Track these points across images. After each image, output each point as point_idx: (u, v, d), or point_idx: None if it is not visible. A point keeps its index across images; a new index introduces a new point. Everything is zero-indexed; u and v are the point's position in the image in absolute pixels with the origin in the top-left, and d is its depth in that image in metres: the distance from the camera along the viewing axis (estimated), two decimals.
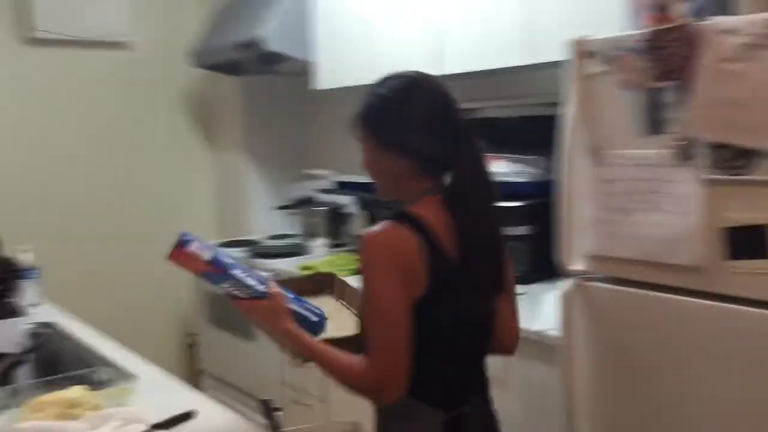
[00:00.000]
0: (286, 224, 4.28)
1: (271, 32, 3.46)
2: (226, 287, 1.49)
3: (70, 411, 1.51)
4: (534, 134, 3.01)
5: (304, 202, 3.97)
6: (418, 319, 1.40)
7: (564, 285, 1.82)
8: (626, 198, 1.70)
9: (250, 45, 3.52)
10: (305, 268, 3.23)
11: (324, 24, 3.49)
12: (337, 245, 3.72)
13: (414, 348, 1.40)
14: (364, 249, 1.41)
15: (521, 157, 2.78)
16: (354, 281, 1.59)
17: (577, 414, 1.82)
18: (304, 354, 1.48)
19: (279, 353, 1.71)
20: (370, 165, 1.52)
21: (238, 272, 1.49)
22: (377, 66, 3.12)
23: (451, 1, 2.82)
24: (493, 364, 2.32)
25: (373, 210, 3.45)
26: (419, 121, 1.46)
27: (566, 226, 1.79)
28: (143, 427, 1.45)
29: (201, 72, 4.26)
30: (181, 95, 4.41)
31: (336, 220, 3.78)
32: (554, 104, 2.93)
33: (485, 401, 1.58)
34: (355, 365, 1.41)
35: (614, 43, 1.69)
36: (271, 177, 4.21)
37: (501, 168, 2.79)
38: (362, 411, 1.63)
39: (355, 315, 1.61)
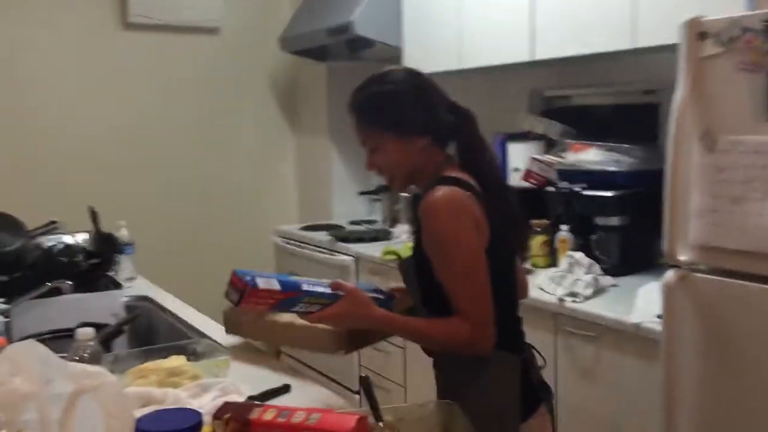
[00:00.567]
0: (368, 210, 4.30)
1: (360, 17, 3.47)
2: (300, 308, 1.47)
3: (170, 379, 1.54)
4: (629, 122, 2.93)
5: (387, 188, 3.97)
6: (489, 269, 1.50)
7: (668, 275, 1.74)
8: (739, 186, 1.62)
9: (340, 30, 3.54)
10: (388, 252, 3.23)
11: (412, 10, 3.47)
12: None
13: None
14: (439, 209, 1.48)
15: (616, 146, 2.69)
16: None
17: (677, 410, 1.75)
18: (399, 332, 1.56)
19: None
20: (389, 161, 1.57)
21: (307, 287, 1.47)
22: (465, 53, 3.15)
23: None
24: (583, 354, 2.29)
25: None
26: (428, 100, 1.57)
27: (673, 214, 1.71)
28: (241, 398, 1.47)
29: (289, 57, 4.31)
30: (268, 80, 4.47)
31: (418, 206, 3.76)
32: (652, 92, 2.86)
33: (530, 347, 1.67)
34: (452, 324, 1.47)
35: (733, 23, 1.61)
36: (355, 163, 4.22)
37: (593, 156, 2.72)
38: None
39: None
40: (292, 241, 4.03)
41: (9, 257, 2.36)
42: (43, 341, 1.06)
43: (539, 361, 1.68)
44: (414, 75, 1.61)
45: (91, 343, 1.37)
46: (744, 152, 1.60)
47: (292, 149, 4.60)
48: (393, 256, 3.13)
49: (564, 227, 2.76)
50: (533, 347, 1.67)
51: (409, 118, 1.55)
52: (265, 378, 1.69)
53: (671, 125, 1.70)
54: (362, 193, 4.24)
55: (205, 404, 1.40)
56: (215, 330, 2.06)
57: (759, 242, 1.59)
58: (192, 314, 2.30)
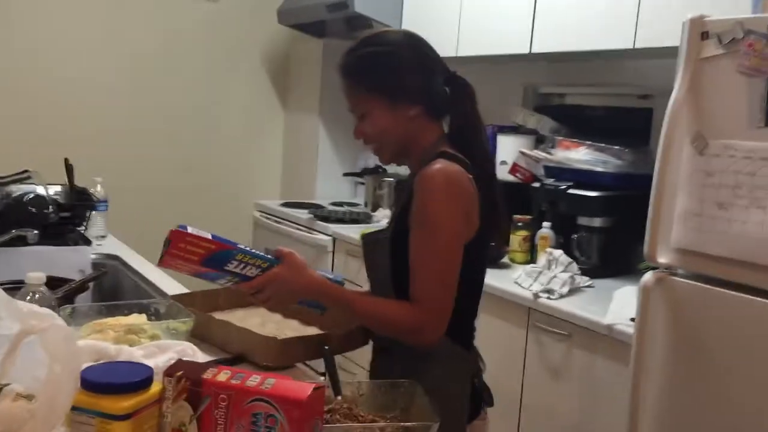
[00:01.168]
0: (352, 192, 4.25)
1: None
2: (234, 267, 1.36)
3: (128, 336, 1.50)
4: (621, 126, 2.90)
5: (372, 172, 3.92)
6: (464, 260, 1.41)
7: (646, 277, 1.71)
8: (726, 192, 1.59)
9: (339, 6, 3.48)
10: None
11: None
12: None
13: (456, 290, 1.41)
14: (442, 180, 1.39)
15: (605, 146, 2.66)
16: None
17: (642, 412, 1.73)
18: (340, 303, 1.44)
19: None
20: (377, 128, 1.49)
21: (242, 246, 1.38)
22: (464, 41, 3.10)
23: None
24: (553, 352, 2.26)
25: None
26: (425, 67, 1.50)
27: (657, 215, 1.68)
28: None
29: (286, 31, 4.25)
30: (263, 52, 4.40)
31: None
32: (647, 97, 2.82)
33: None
34: (402, 307, 1.40)
35: (736, 25, 1.57)
36: (342, 143, 4.17)
37: (582, 155, 2.68)
38: None
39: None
40: (272, 217, 3.98)
41: None
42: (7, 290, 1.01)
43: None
44: (412, 38, 1.54)
45: (42, 289, 1.31)
46: (734, 157, 1.57)
47: (280, 124, 4.54)
48: None
49: (546, 224, 2.73)
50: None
51: (401, 83, 1.47)
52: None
53: (664, 124, 1.66)
54: (346, 175, 4.19)
55: (160, 364, 1.35)
56: (181, 293, 2.01)
57: (740, 250, 1.56)
58: (160, 277, 2.25)
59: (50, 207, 2.36)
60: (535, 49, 2.76)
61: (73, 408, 0.98)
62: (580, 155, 2.71)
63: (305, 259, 1.45)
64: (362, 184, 4.08)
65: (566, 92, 3.24)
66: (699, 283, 1.67)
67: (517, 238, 2.80)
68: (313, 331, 1.64)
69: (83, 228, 2.54)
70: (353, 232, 3.31)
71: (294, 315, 1.71)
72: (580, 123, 3.00)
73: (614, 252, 2.62)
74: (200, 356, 1.47)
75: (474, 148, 1.51)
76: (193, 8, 4.13)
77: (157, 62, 4.06)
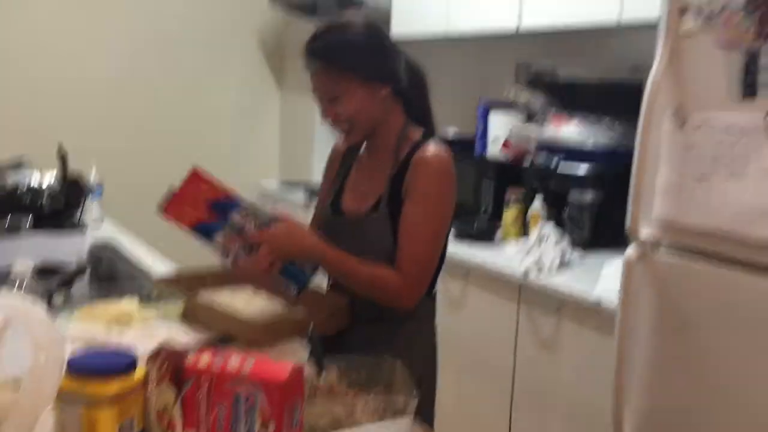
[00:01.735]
0: None
1: None
2: (237, 219, 1.46)
3: (120, 322, 1.53)
4: (613, 100, 2.89)
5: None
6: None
7: (629, 251, 1.73)
8: (707, 164, 1.60)
9: None
10: None
11: None
12: None
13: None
14: (443, 163, 1.54)
15: (593, 120, 2.67)
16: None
17: (627, 385, 1.76)
18: (332, 263, 1.53)
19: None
20: (353, 108, 1.53)
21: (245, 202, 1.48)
22: (453, 18, 3.10)
23: None
24: (544, 326, 2.29)
25: None
26: (389, 49, 1.58)
27: (639, 189, 1.69)
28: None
29: (278, 12, 4.24)
30: (256, 34, 4.40)
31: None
32: (638, 70, 2.82)
33: None
34: (387, 273, 1.52)
35: None
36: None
37: (573, 130, 2.69)
38: None
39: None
40: (269, 198, 4.01)
41: None
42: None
43: None
44: (374, 25, 1.60)
45: (30, 277, 1.34)
46: (714, 130, 1.58)
47: (277, 105, 4.55)
48: None
49: (537, 200, 2.75)
50: None
51: (373, 64, 1.55)
52: None
53: (644, 99, 1.67)
54: None
55: (150, 349, 1.38)
56: None
57: (720, 221, 1.57)
58: (156, 261, 2.29)
59: (45, 193, 2.39)
60: (524, 25, 2.76)
61: (60, 394, 1.01)
62: (570, 130, 2.72)
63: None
64: None
65: (559, 68, 3.23)
66: (681, 256, 1.68)
67: (509, 214, 2.82)
68: (297, 312, 1.66)
69: (79, 214, 2.56)
70: None
71: (277, 296, 1.72)
72: (572, 98, 3.00)
73: (605, 225, 2.63)
74: (190, 340, 1.50)
75: (431, 131, 1.66)
76: None
77: (151, 47, 4.06)
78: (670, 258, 1.71)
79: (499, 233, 2.84)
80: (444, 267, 1.65)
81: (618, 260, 2.30)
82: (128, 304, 1.62)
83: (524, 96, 3.04)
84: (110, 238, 2.52)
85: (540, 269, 2.33)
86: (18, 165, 2.48)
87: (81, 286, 2.05)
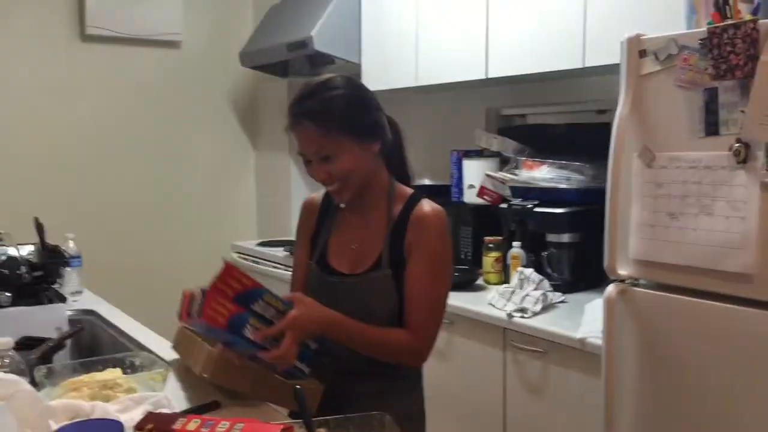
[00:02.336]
0: None
1: (319, 33, 3.47)
2: (259, 308, 1.42)
3: (103, 392, 1.51)
4: (582, 142, 2.96)
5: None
6: None
7: (609, 290, 1.76)
8: (677, 202, 1.64)
9: (299, 45, 3.54)
10: None
11: (371, 26, 3.49)
12: None
13: None
14: (443, 222, 1.58)
15: (567, 163, 2.72)
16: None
17: (617, 421, 1.76)
18: (352, 333, 1.52)
19: None
20: (346, 167, 1.53)
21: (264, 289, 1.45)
22: (422, 70, 3.17)
23: (497, 4, 2.78)
24: (531, 370, 2.29)
25: None
26: (374, 105, 1.60)
27: (614, 229, 1.73)
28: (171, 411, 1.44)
29: (249, 72, 4.31)
30: (229, 95, 4.45)
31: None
32: (604, 112, 2.90)
33: None
34: (404, 335, 1.54)
35: (670, 41, 1.64)
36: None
37: (545, 174, 2.74)
38: None
39: None
40: (249, 257, 4.00)
41: None
42: None
43: None
44: (355, 81, 1.61)
45: (11, 353, 1.33)
46: (681, 168, 1.62)
47: (252, 164, 4.58)
48: None
49: (516, 244, 2.78)
50: None
51: (363, 121, 1.55)
52: (204, 394, 1.64)
53: (612, 141, 1.72)
54: None
55: (136, 418, 1.37)
56: (158, 343, 2.03)
57: (694, 257, 1.61)
58: (137, 328, 2.26)
59: (23, 267, 2.38)
60: (491, 74, 2.83)
61: None
62: (543, 174, 2.77)
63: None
64: None
65: (527, 112, 3.31)
66: (660, 292, 1.71)
67: (489, 260, 2.84)
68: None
69: (58, 285, 2.55)
70: None
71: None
72: (543, 142, 3.06)
73: (585, 265, 2.66)
74: (176, 406, 1.48)
75: (410, 183, 1.69)
76: (157, 57, 4.18)
77: (124, 113, 4.09)
78: (648, 294, 1.74)
79: (480, 280, 2.86)
80: None
81: (598, 300, 2.33)
82: (111, 374, 1.61)
83: (495, 142, 3.10)
84: (91, 309, 2.49)
85: (523, 312, 2.35)
86: None
87: (63, 357, 2.03)
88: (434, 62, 3.12)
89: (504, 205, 2.87)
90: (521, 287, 2.49)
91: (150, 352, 1.89)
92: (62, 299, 2.48)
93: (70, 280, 2.64)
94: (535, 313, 2.36)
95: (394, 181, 1.64)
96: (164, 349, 1.93)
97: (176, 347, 1.79)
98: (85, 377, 1.58)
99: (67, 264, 2.59)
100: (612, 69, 2.39)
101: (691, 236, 1.61)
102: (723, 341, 1.59)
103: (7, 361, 1.32)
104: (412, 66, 3.23)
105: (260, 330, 1.40)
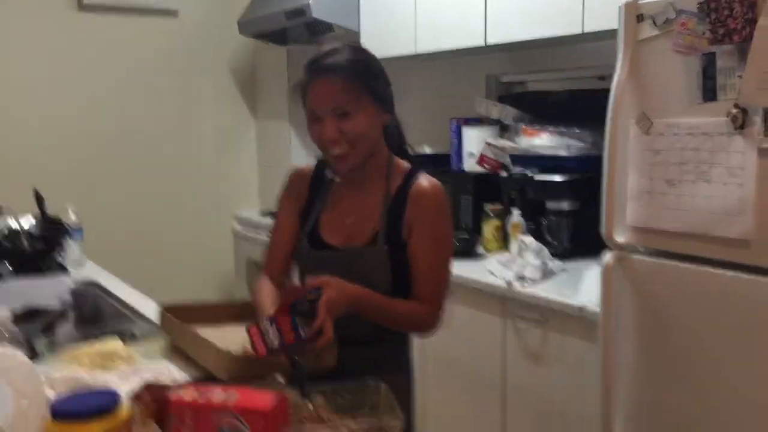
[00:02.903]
0: None
1: (317, 1, 3.43)
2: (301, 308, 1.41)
3: (104, 362, 1.53)
4: (582, 108, 2.94)
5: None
6: None
7: (606, 257, 1.76)
8: (674, 168, 1.63)
9: (297, 13, 3.51)
10: None
11: None
12: None
13: None
14: (443, 197, 1.59)
15: (566, 130, 2.71)
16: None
17: (614, 389, 1.77)
18: (378, 306, 1.53)
19: None
20: (360, 129, 1.51)
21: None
22: (421, 37, 3.14)
23: None
24: (530, 337, 2.31)
25: None
26: (388, 79, 1.60)
27: (611, 196, 1.72)
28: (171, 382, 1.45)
29: (248, 41, 4.27)
30: (227, 64, 4.42)
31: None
32: (604, 78, 2.87)
33: None
34: (421, 307, 1.57)
35: (668, 5, 1.62)
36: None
37: (545, 141, 2.73)
38: None
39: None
40: (250, 228, 4.01)
41: None
42: None
43: None
44: (369, 50, 1.61)
45: (8, 325, 1.34)
46: (678, 135, 1.61)
47: (253, 134, 4.56)
48: None
49: (516, 212, 2.77)
50: None
51: (386, 91, 1.57)
52: None
53: (609, 108, 1.71)
54: None
55: (135, 388, 1.38)
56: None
57: (691, 223, 1.61)
58: (138, 299, 2.28)
59: (24, 239, 2.39)
60: (490, 40, 2.80)
61: None
62: (543, 141, 2.75)
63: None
64: None
65: (528, 79, 3.28)
66: (656, 259, 1.71)
67: (489, 228, 2.85)
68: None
69: (60, 257, 2.56)
70: None
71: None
72: (543, 109, 3.04)
73: (584, 233, 2.65)
74: (177, 376, 1.50)
75: (407, 158, 1.68)
76: (155, 26, 4.14)
77: (123, 83, 4.07)
78: (646, 261, 1.74)
79: (480, 248, 2.86)
80: None
81: (598, 267, 2.34)
82: (112, 344, 1.62)
83: (495, 110, 3.08)
84: (92, 279, 2.51)
85: (523, 281, 2.35)
86: None
87: (65, 327, 2.05)
88: (433, 29, 3.09)
89: (504, 173, 2.87)
90: (521, 255, 2.49)
91: (151, 322, 1.91)
92: (64, 270, 2.50)
93: (73, 251, 2.65)
94: (535, 281, 2.36)
95: (393, 156, 1.64)
96: None
97: (173, 337, 1.66)
98: (85, 348, 1.60)
99: (68, 235, 2.60)
100: (612, 34, 2.37)
101: (689, 203, 1.60)
102: (720, 307, 1.59)
103: (7, 334, 1.33)
104: (411, 33, 3.19)
105: (308, 326, 1.39)
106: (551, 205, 2.70)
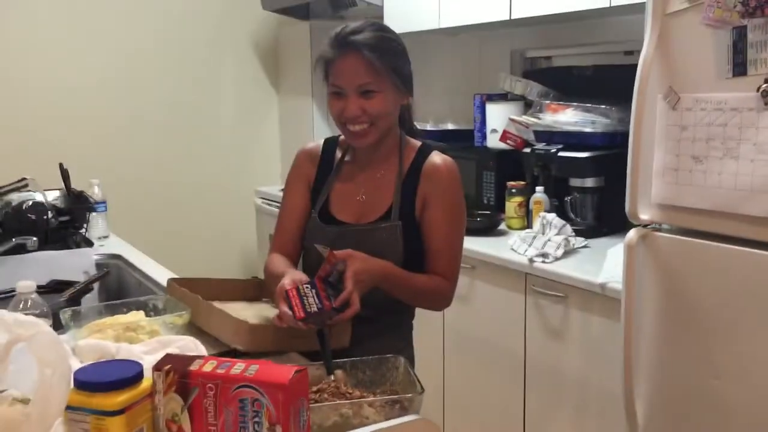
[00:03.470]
0: None
1: None
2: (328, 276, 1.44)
3: (127, 334, 1.54)
4: (608, 84, 2.90)
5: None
6: None
7: (629, 234, 1.74)
8: (700, 144, 1.60)
9: None
10: None
11: None
12: None
13: None
14: (456, 173, 1.61)
15: (592, 106, 2.67)
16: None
17: (635, 367, 1.76)
18: (401, 280, 1.54)
19: None
20: (382, 109, 1.53)
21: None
22: (445, 12, 3.10)
23: None
24: (552, 314, 2.30)
25: None
26: (408, 57, 1.61)
27: (636, 173, 1.70)
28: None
29: (270, 15, 4.26)
30: (250, 38, 4.41)
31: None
32: (631, 53, 2.82)
33: None
34: (441, 282, 1.59)
35: None
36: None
37: (570, 117, 2.70)
38: None
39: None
40: (273, 202, 4.02)
41: None
42: (7, 299, 1.05)
43: None
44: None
45: (33, 296, 1.36)
46: (705, 110, 1.58)
47: (275, 110, 4.56)
48: None
49: (539, 188, 2.75)
50: None
51: (407, 72, 1.59)
52: None
53: (636, 82, 1.68)
54: None
55: (159, 359, 1.40)
56: None
57: (717, 201, 1.58)
58: (162, 272, 2.30)
59: (49, 213, 2.42)
60: (515, 15, 2.76)
61: (68, 407, 1.02)
62: (567, 117, 2.72)
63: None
64: None
65: (553, 54, 3.24)
66: (681, 237, 1.69)
67: (512, 205, 2.83)
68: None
69: (84, 230, 2.59)
70: None
71: None
72: (568, 84, 3.00)
73: (608, 211, 2.64)
74: (202, 350, 1.51)
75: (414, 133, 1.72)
76: (177, 1, 4.14)
77: (145, 58, 4.08)
78: (670, 238, 1.71)
79: (502, 225, 2.85)
80: None
81: (620, 245, 2.31)
82: (134, 316, 1.64)
83: (520, 85, 3.04)
84: (117, 252, 2.53)
85: (545, 257, 2.34)
86: (22, 186, 2.51)
87: (90, 300, 2.08)
88: (457, 4, 3.05)
89: (527, 150, 2.84)
90: (543, 232, 2.47)
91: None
92: (89, 244, 2.52)
93: (96, 225, 2.68)
94: (557, 258, 2.35)
95: (404, 135, 1.66)
96: None
97: (191, 313, 1.64)
98: (108, 319, 1.62)
99: (92, 209, 2.63)
100: (640, 8, 2.32)
101: (716, 180, 1.57)
102: (745, 285, 1.57)
103: (30, 303, 1.35)
104: (435, 8, 3.16)
105: (336, 294, 1.40)
106: (575, 182, 2.67)
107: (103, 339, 1.51)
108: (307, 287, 1.40)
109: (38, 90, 3.81)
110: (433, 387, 2.60)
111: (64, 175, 2.55)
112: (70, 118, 3.88)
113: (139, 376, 1.08)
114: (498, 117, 3.04)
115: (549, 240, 2.41)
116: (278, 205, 3.95)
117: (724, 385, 1.63)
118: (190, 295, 1.63)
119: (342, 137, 1.67)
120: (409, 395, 1.19)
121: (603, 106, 2.65)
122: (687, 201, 1.64)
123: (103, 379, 1.05)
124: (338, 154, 1.69)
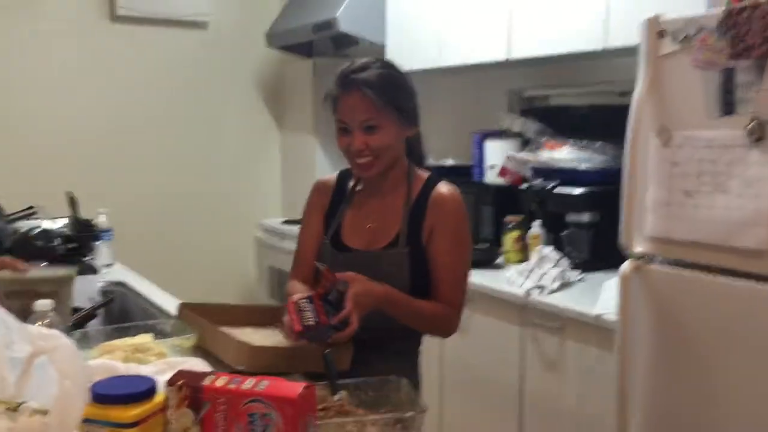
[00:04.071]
0: None
1: (344, 14, 3.52)
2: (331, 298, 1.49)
3: (136, 355, 1.58)
4: (602, 123, 2.98)
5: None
6: None
7: (624, 266, 1.79)
8: (691, 180, 1.67)
9: (325, 26, 3.59)
10: None
11: (395, 8, 3.52)
12: None
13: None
14: (461, 203, 1.65)
15: (588, 143, 2.75)
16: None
17: (630, 397, 1.80)
18: (403, 305, 1.58)
19: None
20: (385, 142, 1.60)
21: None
22: (445, 52, 3.20)
23: None
24: (548, 345, 2.34)
25: None
26: (415, 95, 1.67)
27: (630, 207, 1.76)
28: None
29: (275, 53, 4.36)
30: (254, 75, 4.51)
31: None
32: (626, 94, 2.91)
33: None
34: (445, 309, 1.62)
35: (689, 22, 1.66)
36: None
37: (566, 154, 2.77)
38: None
39: None
40: (275, 235, 4.08)
41: None
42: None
43: None
44: (401, 69, 1.68)
45: (51, 314, 1.41)
46: (696, 147, 1.65)
47: (277, 144, 4.64)
48: None
49: (536, 223, 2.81)
50: None
51: (410, 106, 1.64)
52: None
53: (630, 120, 1.75)
54: None
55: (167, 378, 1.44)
56: None
57: (708, 234, 1.64)
58: (166, 299, 2.34)
59: (57, 240, 2.47)
60: (513, 56, 2.85)
61: (85, 420, 1.06)
62: (564, 154, 2.80)
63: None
64: None
65: (550, 94, 3.33)
66: (674, 268, 1.75)
67: (509, 239, 2.88)
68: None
69: (90, 258, 2.64)
70: None
71: None
72: (564, 123, 3.09)
73: (603, 245, 2.68)
74: (208, 370, 1.54)
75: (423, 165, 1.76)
76: (184, 37, 4.24)
77: (153, 93, 4.17)
78: (663, 270, 1.77)
79: (500, 258, 2.90)
80: None
81: (616, 278, 2.37)
82: (143, 339, 1.68)
83: (518, 123, 3.13)
84: (121, 279, 2.58)
85: (541, 290, 2.39)
86: (30, 214, 2.56)
87: (94, 326, 2.11)
88: (457, 44, 3.15)
89: (524, 186, 2.91)
90: (540, 265, 2.53)
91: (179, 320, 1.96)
92: (94, 271, 2.57)
93: (103, 252, 2.73)
94: (553, 291, 2.40)
95: (413, 165, 1.71)
96: None
97: (198, 336, 1.70)
98: (118, 341, 1.66)
99: (98, 237, 2.68)
100: (634, 51, 2.41)
101: (706, 213, 1.64)
102: (736, 317, 1.62)
103: (48, 321, 1.39)
104: (436, 48, 3.26)
105: (336, 313, 1.46)
106: (571, 217, 2.74)
107: (112, 360, 1.56)
108: (304, 301, 1.45)
109: (50, 123, 3.88)
110: (430, 416, 2.62)
111: (73, 203, 2.61)
112: (78, 151, 3.95)
113: (152, 391, 1.13)
114: (496, 154, 3.11)
115: (545, 273, 2.46)
116: (279, 237, 4.03)
117: (717, 415, 1.67)
118: (197, 318, 1.67)
119: None
120: (411, 413, 1.24)
121: (598, 144, 2.72)
122: (679, 234, 1.70)
123: (119, 393, 1.09)
124: (351, 183, 1.76)
